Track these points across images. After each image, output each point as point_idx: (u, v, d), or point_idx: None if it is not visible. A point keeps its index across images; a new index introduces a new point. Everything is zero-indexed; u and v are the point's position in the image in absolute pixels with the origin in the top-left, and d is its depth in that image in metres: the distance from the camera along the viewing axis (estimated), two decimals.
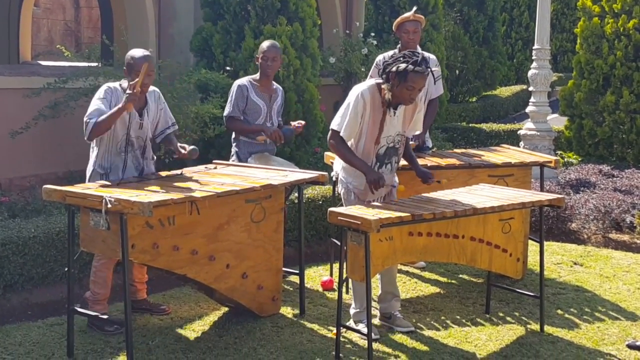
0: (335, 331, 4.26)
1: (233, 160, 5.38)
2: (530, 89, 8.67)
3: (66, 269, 4.26)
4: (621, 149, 9.43)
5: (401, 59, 4.23)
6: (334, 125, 4.38)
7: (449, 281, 5.57)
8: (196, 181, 4.41)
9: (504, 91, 15.99)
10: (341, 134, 4.33)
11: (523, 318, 4.84)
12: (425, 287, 5.42)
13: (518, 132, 8.91)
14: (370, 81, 4.50)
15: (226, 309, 4.83)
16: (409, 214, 4.00)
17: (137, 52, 4.44)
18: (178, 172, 4.70)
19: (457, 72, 14.35)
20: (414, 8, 5.76)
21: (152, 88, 4.59)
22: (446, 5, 13.95)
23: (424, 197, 4.50)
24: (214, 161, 5.22)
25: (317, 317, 4.77)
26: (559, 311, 4.97)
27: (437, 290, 5.37)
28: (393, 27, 5.73)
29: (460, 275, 5.70)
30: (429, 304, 5.06)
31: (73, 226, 4.15)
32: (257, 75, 5.40)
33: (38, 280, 5.01)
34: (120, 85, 4.47)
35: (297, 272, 4.93)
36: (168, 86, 6.87)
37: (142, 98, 4.47)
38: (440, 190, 4.72)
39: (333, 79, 10.04)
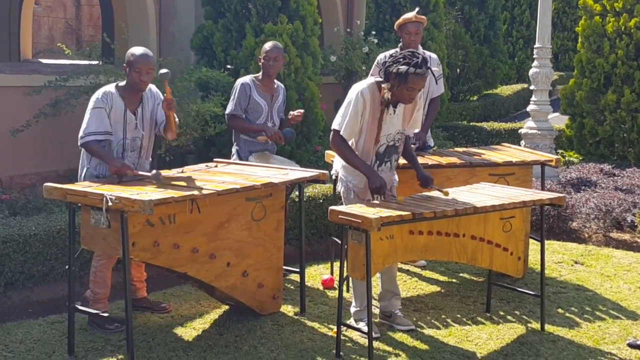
0: (335, 330, 4.26)
1: (234, 159, 5.38)
2: (532, 87, 8.66)
3: (67, 267, 4.26)
4: (622, 148, 9.42)
5: (401, 60, 4.23)
6: (335, 125, 4.38)
7: (450, 280, 5.57)
8: (197, 179, 4.40)
9: (505, 90, 15.98)
10: (342, 133, 4.33)
11: (524, 317, 4.84)
12: (426, 285, 5.42)
13: (519, 131, 8.91)
14: (369, 79, 4.49)
15: (227, 307, 4.83)
16: (409, 213, 4.00)
17: (137, 50, 4.43)
18: (179, 170, 4.70)
19: (458, 70, 14.35)
20: (416, 9, 5.74)
21: (152, 87, 4.58)
22: (447, 3, 13.94)
23: (424, 195, 4.49)
24: (214, 159, 5.22)
25: (317, 315, 4.77)
26: (560, 310, 4.97)
27: (438, 288, 5.37)
28: (395, 27, 5.73)
29: (461, 274, 5.70)
30: (430, 302, 5.06)
31: (74, 224, 4.15)
32: (259, 75, 5.40)
33: (39, 278, 5.01)
34: (116, 86, 4.45)
35: (298, 270, 4.93)
36: (168, 84, 6.85)
37: (137, 97, 4.45)
38: (446, 182, 4.70)
39: (334, 78, 10.04)
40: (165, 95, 4.37)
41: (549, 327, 4.66)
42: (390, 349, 4.29)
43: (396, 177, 4.65)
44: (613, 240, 6.72)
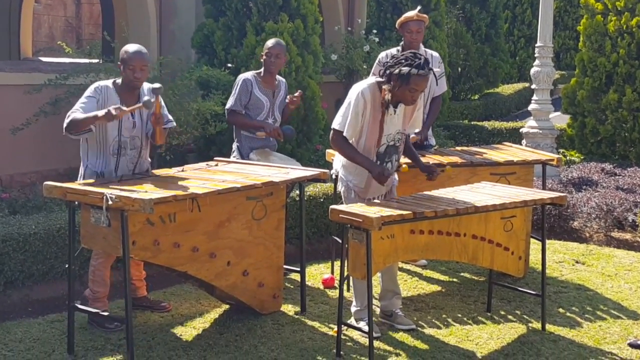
0: (336, 329, 4.25)
1: (234, 156, 5.38)
2: (533, 86, 8.65)
3: (67, 266, 4.25)
4: (624, 147, 9.41)
5: (403, 61, 4.21)
6: (336, 124, 4.37)
7: (451, 279, 5.56)
8: (197, 178, 4.40)
9: (506, 89, 15.97)
10: (344, 134, 4.32)
11: (524, 316, 4.83)
12: (427, 285, 5.42)
13: (520, 130, 8.90)
14: (370, 79, 4.48)
15: (227, 306, 4.82)
16: (410, 212, 3.99)
17: (130, 47, 4.38)
18: (179, 169, 4.69)
19: (459, 69, 14.34)
20: (418, 7, 5.73)
21: (147, 85, 4.54)
22: (449, 2, 13.93)
23: (425, 194, 4.49)
24: (215, 158, 5.21)
25: (318, 314, 4.77)
26: (561, 310, 4.96)
27: (439, 288, 5.36)
28: (396, 25, 5.72)
29: (462, 274, 5.69)
30: (430, 302, 5.05)
31: (74, 223, 4.14)
32: (261, 71, 5.40)
33: (38, 277, 5.00)
34: (113, 82, 4.42)
35: (298, 269, 4.92)
36: (169, 83, 6.86)
37: (135, 96, 4.41)
38: (447, 181, 4.70)
39: (335, 76, 10.03)
40: (154, 110, 4.33)
41: (549, 327, 4.65)
42: (390, 348, 4.28)
43: (396, 176, 4.64)
44: (614, 240, 6.71)
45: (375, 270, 4.06)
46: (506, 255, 4.56)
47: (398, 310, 4.61)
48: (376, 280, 4.65)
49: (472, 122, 12.03)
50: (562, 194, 4.69)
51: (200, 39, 8.03)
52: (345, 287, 4.61)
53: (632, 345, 4.40)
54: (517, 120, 12.57)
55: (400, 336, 4.45)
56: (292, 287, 5.26)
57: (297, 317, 4.73)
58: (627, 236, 6.78)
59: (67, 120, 4.24)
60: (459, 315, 4.84)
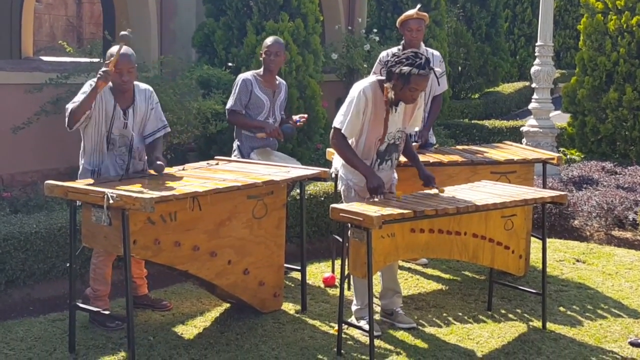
0: (336, 327, 4.26)
1: (235, 155, 5.38)
2: (533, 85, 8.64)
3: (68, 265, 4.25)
4: (624, 146, 9.41)
5: (404, 60, 4.21)
6: (337, 123, 4.37)
7: (451, 278, 5.57)
8: (198, 177, 4.40)
9: (507, 88, 15.96)
10: (343, 132, 4.33)
11: (525, 315, 4.84)
12: (427, 283, 5.42)
13: (520, 129, 8.89)
14: (371, 78, 4.49)
15: (228, 305, 4.83)
16: (410, 211, 3.99)
17: (118, 49, 4.34)
18: (180, 168, 4.69)
19: (459, 68, 14.33)
20: (418, 6, 5.74)
21: (144, 86, 4.54)
22: (449, 1, 13.92)
23: (425, 193, 4.49)
24: (215, 157, 5.22)
25: (318, 313, 4.77)
26: (562, 308, 4.97)
27: (439, 287, 5.37)
28: (397, 24, 5.72)
29: (463, 272, 5.69)
30: (431, 300, 5.06)
31: (75, 222, 4.15)
32: (261, 71, 5.40)
33: (40, 276, 5.01)
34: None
35: (299, 268, 4.93)
36: (170, 82, 6.86)
37: (128, 97, 4.41)
38: (447, 180, 4.70)
39: (335, 75, 10.03)
40: (113, 59, 4.26)
41: (550, 326, 4.65)
42: (391, 347, 4.29)
43: (395, 175, 4.64)
44: (615, 239, 6.71)
45: (376, 268, 4.06)
46: (507, 254, 4.56)
47: (399, 309, 4.61)
48: (376, 278, 4.66)
49: (473, 121, 12.03)
50: (562, 193, 4.69)
51: (201, 38, 8.03)
52: (345, 285, 4.61)
53: (632, 344, 4.41)
54: (518, 119, 12.57)
55: (401, 335, 4.45)
56: (292, 285, 5.26)
57: (297, 315, 4.73)
58: (628, 235, 6.78)
59: (67, 113, 4.26)
60: (460, 313, 4.84)
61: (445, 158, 5.29)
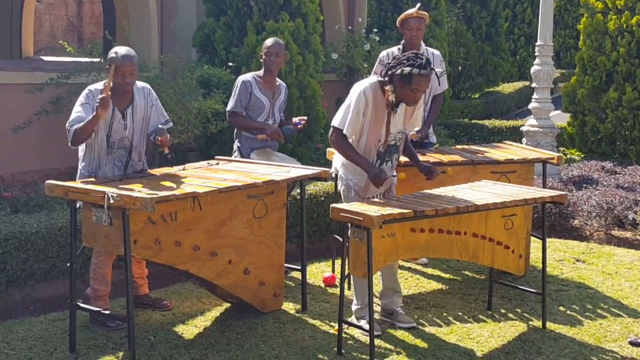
0: (337, 327, 4.26)
1: (235, 156, 5.39)
2: (533, 85, 8.65)
3: (68, 265, 4.26)
4: (624, 146, 9.41)
5: (405, 61, 4.22)
6: (336, 122, 4.37)
7: (451, 277, 5.57)
8: (198, 177, 4.41)
9: (507, 87, 15.96)
10: (344, 132, 4.33)
11: (525, 315, 4.84)
12: (427, 283, 5.42)
13: (520, 129, 8.89)
14: (372, 78, 4.49)
15: (228, 304, 4.83)
16: (411, 210, 4.00)
17: (119, 50, 4.35)
18: (180, 167, 4.70)
19: (459, 68, 14.33)
20: (417, 5, 5.75)
21: (141, 84, 4.52)
22: (449, 1, 13.92)
23: (426, 193, 4.49)
24: (216, 157, 5.23)
25: (319, 313, 4.78)
26: (561, 308, 4.97)
27: (439, 286, 5.37)
28: (396, 24, 5.73)
29: (463, 272, 5.70)
30: (431, 300, 5.06)
31: (75, 222, 4.15)
32: (261, 72, 5.41)
33: (40, 276, 5.01)
34: (104, 85, 4.42)
35: (299, 268, 4.93)
36: (170, 82, 6.87)
37: (127, 98, 4.39)
38: (447, 179, 4.70)
39: (335, 75, 10.03)
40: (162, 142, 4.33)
41: (550, 325, 4.65)
42: (391, 346, 4.29)
43: (395, 174, 4.65)
44: (614, 238, 6.71)
45: (376, 268, 4.07)
46: (507, 254, 4.57)
47: (399, 309, 4.62)
48: (377, 278, 4.66)
49: (473, 121, 12.04)
50: (562, 193, 4.70)
51: (201, 38, 8.03)
52: (346, 285, 4.61)
53: (632, 344, 4.41)
54: (518, 119, 12.57)
55: (401, 334, 4.46)
56: (293, 285, 5.27)
57: (298, 315, 4.74)
58: (628, 234, 6.78)
59: (70, 135, 4.26)
60: (460, 313, 4.84)
61: (445, 158, 5.29)
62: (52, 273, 5.06)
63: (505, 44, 15.90)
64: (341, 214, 4.01)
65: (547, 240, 5.16)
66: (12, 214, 5.44)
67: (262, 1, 7.81)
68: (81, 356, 4.08)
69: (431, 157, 5.25)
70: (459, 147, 6.03)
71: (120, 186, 3.99)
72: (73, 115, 4.29)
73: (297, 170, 4.82)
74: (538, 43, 8.50)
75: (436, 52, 5.76)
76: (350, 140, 4.38)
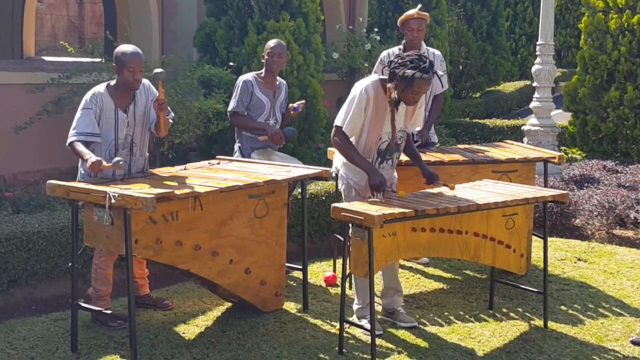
0: (338, 327, 4.27)
1: (236, 156, 5.39)
2: (534, 84, 8.65)
3: (70, 264, 4.26)
4: (625, 145, 9.41)
5: (408, 63, 4.22)
6: (338, 121, 4.38)
7: (453, 277, 5.57)
8: (199, 177, 4.41)
9: (508, 87, 15.95)
10: (344, 130, 4.33)
11: (527, 314, 4.84)
12: (429, 282, 5.43)
13: (522, 128, 8.90)
14: (373, 77, 4.49)
15: (229, 304, 4.84)
16: (412, 210, 4.00)
17: (127, 48, 4.36)
18: (181, 167, 4.70)
19: (460, 67, 14.33)
20: (419, 5, 5.74)
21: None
22: (450, 0, 13.92)
23: (427, 192, 4.49)
24: (217, 157, 5.23)
25: (320, 312, 4.78)
26: (563, 307, 4.97)
27: (441, 286, 5.37)
28: (397, 24, 5.72)
29: (464, 271, 5.70)
30: (432, 299, 5.06)
31: (77, 221, 4.15)
32: (262, 72, 5.41)
33: (42, 275, 5.01)
34: (107, 86, 4.41)
35: (301, 267, 4.93)
36: (171, 81, 6.87)
37: (129, 95, 4.40)
38: (449, 179, 4.70)
39: (336, 75, 10.03)
40: (158, 95, 4.34)
41: (551, 324, 4.65)
42: (392, 345, 4.30)
43: (395, 174, 4.65)
44: (616, 237, 6.71)
45: (377, 268, 4.07)
46: (508, 253, 4.57)
47: (400, 308, 4.62)
48: (378, 278, 4.66)
49: (474, 120, 12.03)
50: (563, 192, 4.69)
51: (202, 38, 8.04)
52: (347, 284, 4.61)
53: (634, 343, 4.41)
54: (519, 118, 12.57)
55: (402, 334, 4.46)
56: (294, 285, 5.27)
57: (299, 314, 4.74)
58: (629, 233, 6.78)
59: (69, 140, 4.29)
60: (461, 312, 4.84)
61: (446, 157, 5.29)
62: (54, 273, 5.07)
63: (506, 43, 15.90)
64: (342, 213, 4.01)
65: (549, 239, 5.16)
66: (14, 214, 5.44)
67: (262, 1, 7.81)
68: (83, 356, 4.08)
69: (432, 157, 5.25)
70: (460, 146, 6.03)
71: (122, 186, 4.00)
72: (76, 121, 4.33)
73: (298, 169, 4.82)
74: (539, 42, 8.50)
75: (437, 52, 5.76)
76: (351, 139, 4.38)
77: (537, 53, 8.58)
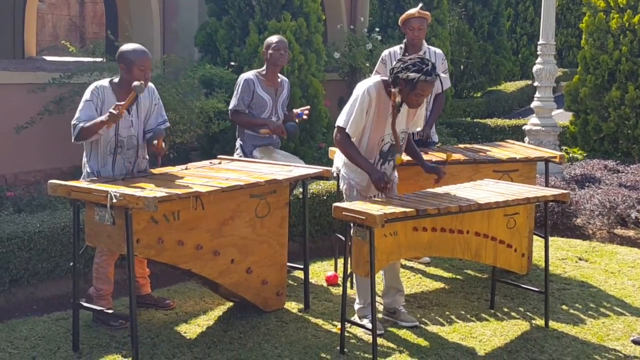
0: (339, 326, 4.27)
1: (237, 154, 5.39)
2: (535, 84, 8.64)
3: (71, 264, 4.26)
4: (626, 145, 9.41)
5: (411, 66, 4.22)
6: (340, 122, 4.38)
7: (454, 276, 5.57)
8: (201, 176, 4.41)
9: (509, 86, 15.95)
10: (347, 131, 4.34)
11: (528, 313, 4.84)
12: (430, 282, 5.43)
13: (523, 128, 8.89)
14: (376, 77, 4.50)
15: (231, 303, 4.84)
16: (413, 209, 4.00)
17: (135, 47, 4.36)
18: (183, 167, 4.70)
19: (461, 67, 14.32)
20: (420, 5, 5.75)
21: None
22: (451, 0, 13.92)
23: (428, 192, 4.50)
24: (218, 156, 5.23)
25: (321, 312, 4.78)
26: (564, 307, 4.97)
27: (442, 285, 5.37)
28: (399, 23, 5.73)
29: (465, 271, 5.70)
30: (434, 299, 5.06)
31: (78, 221, 4.16)
32: (263, 70, 5.40)
33: (43, 275, 5.02)
34: (110, 81, 4.41)
35: (302, 267, 4.94)
36: (172, 81, 6.88)
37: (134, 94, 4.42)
38: (450, 178, 4.72)
39: (337, 74, 10.04)
40: (157, 147, 4.37)
41: (553, 324, 4.65)
42: (394, 345, 4.30)
43: (396, 174, 4.65)
44: (617, 237, 6.71)
45: (379, 267, 4.07)
46: (509, 253, 4.57)
47: (401, 308, 4.62)
48: (379, 277, 4.67)
49: (475, 120, 12.03)
50: (564, 191, 4.69)
51: (203, 38, 8.04)
52: (348, 284, 4.62)
53: (635, 342, 4.41)
54: (520, 118, 12.57)
55: (404, 333, 4.46)
56: (295, 284, 5.27)
57: (300, 314, 4.74)
58: (630, 233, 6.78)
59: (74, 131, 4.26)
60: (462, 312, 4.85)
61: (447, 156, 5.28)
62: (55, 272, 5.07)
63: (508, 43, 15.89)
64: (343, 213, 4.01)
65: (550, 239, 5.16)
66: (15, 214, 5.44)
67: (264, 0, 7.82)
68: (84, 355, 4.09)
69: (433, 156, 5.25)
70: (461, 146, 6.03)
71: (123, 185, 4.00)
72: (79, 112, 4.31)
73: (299, 169, 4.82)
74: (540, 42, 8.50)
75: (438, 50, 5.76)
76: (353, 139, 4.38)
77: (538, 53, 8.58)
